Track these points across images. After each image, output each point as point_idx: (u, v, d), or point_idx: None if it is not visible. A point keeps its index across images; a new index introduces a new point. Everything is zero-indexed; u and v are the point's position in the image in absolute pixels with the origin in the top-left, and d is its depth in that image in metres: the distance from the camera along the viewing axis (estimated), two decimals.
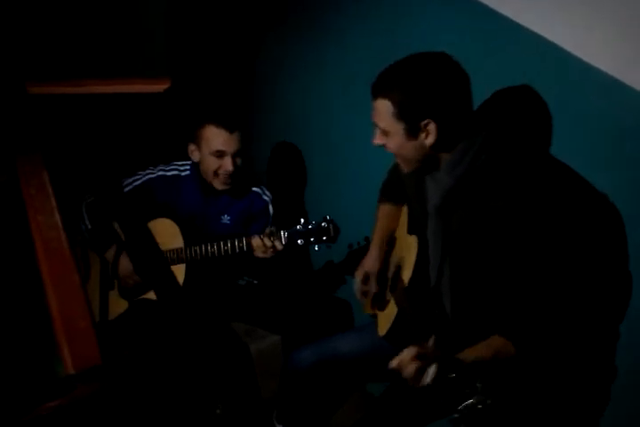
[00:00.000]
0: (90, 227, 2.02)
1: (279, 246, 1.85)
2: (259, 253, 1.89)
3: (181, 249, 1.98)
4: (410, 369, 1.11)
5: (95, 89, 3.30)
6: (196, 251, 1.96)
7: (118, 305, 2.04)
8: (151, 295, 2.02)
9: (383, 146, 1.34)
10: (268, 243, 1.85)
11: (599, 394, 1.41)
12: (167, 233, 2.02)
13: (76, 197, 2.09)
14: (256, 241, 1.87)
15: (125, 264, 1.97)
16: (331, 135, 2.31)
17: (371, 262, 1.67)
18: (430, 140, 1.27)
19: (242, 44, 2.95)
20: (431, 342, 1.15)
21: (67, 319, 1.20)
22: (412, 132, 1.27)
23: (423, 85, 1.24)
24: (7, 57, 2.49)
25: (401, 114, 1.26)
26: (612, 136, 1.32)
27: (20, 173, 1.63)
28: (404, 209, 1.67)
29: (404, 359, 1.14)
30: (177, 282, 2.00)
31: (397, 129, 1.28)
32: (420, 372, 1.09)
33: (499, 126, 1.36)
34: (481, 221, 1.27)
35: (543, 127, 1.43)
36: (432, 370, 1.05)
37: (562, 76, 1.40)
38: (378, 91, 1.28)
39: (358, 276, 1.68)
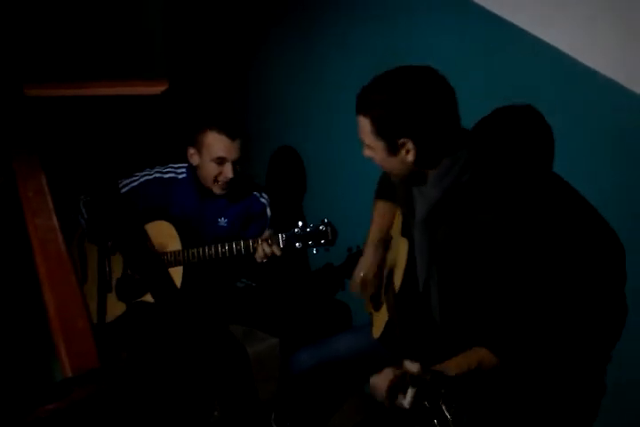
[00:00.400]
0: (87, 221, 2.02)
1: (277, 252, 1.85)
2: (257, 258, 1.89)
3: (179, 251, 1.98)
4: (381, 393, 1.09)
5: (92, 91, 3.30)
6: (193, 253, 1.95)
7: (116, 307, 2.04)
8: (148, 298, 2.02)
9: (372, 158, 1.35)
10: (267, 248, 1.85)
11: (585, 409, 1.41)
12: (165, 235, 2.01)
13: (73, 199, 2.09)
14: (254, 246, 1.87)
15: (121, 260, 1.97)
16: (329, 138, 2.32)
17: (368, 261, 1.66)
18: (410, 157, 1.28)
19: (241, 46, 2.95)
20: (413, 366, 1.09)
21: (64, 320, 1.20)
22: (392, 149, 1.28)
23: (400, 104, 1.23)
24: (4, 59, 2.48)
25: (379, 132, 1.27)
26: (611, 137, 1.32)
27: (18, 176, 1.63)
28: (399, 210, 1.67)
29: (379, 383, 1.12)
30: (174, 284, 2.00)
31: (378, 145, 1.29)
32: (395, 395, 1.06)
33: (485, 140, 1.36)
34: (466, 234, 1.26)
35: (536, 140, 1.43)
36: (409, 394, 1.02)
37: (559, 78, 1.40)
38: (358, 108, 1.29)
39: (356, 274, 1.67)
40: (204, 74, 3.40)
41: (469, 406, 1.08)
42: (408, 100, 1.23)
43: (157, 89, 3.51)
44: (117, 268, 2.07)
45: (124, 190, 2.06)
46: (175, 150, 2.14)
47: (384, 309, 1.58)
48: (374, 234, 1.70)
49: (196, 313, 2.05)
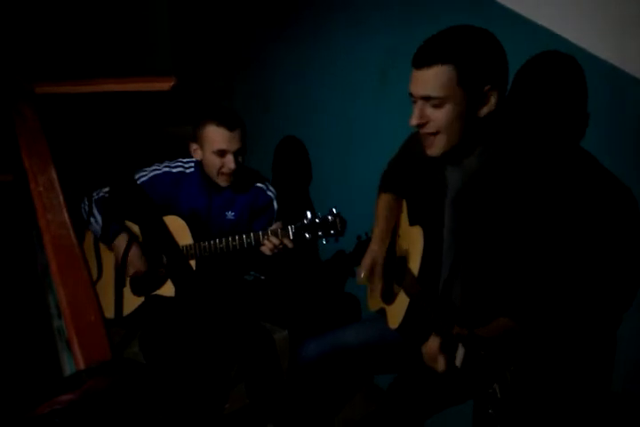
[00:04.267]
0: (101, 222, 2.03)
1: (289, 244, 1.86)
2: (266, 251, 1.89)
3: (190, 245, 2.00)
4: (440, 362, 1.10)
5: (101, 87, 3.32)
6: (205, 247, 1.97)
7: (131, 302, 2.06)
8: (162, 291, 2.04)
9: (420, 126, 1.27)
10: (276, 241, 1.86)
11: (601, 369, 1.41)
12: (176, 230, 2.03)
13: (84, 194, 2.11)
14: (264, 238, 1.88)
15: (135, 252, 1.98)
16: (335, 128, 2.32)
17: (374, 254, 1.66)
18: (488, 108, 1.24)
19: (247, 40, 2.95)
20: (461, 330, 1.13)
21: (76, 314, 1.21)
22: (473, 99, 1.22)
23: (486, 51, 1.21)
24: (12, 57, 2.50)
25: (464, 79, 1.20)
26: (620, 129, 1.31)
27: (28, 171, 1.65)
28: (404, 201, 1.66)
29: (431, 348, 1.13)
30: (198, 277, 2.02)
31: (457, 97, 1.22)
32: (450, 359, 1.08)
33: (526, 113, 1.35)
34: (504, 204, 1.25)
35: (571, 118, 1.42)
36: (460, 352, 1.05)
37: (567, 67, 1.39)
38: (435, 57, 1.21)
39: (362, 268, 1.67)
40: (210, 69, 3.41)
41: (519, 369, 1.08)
42: (492, 47, 1.22)
43: (166, 85, 3.54)
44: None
45: None
46: (182, 145, 2.15)
47: (400, 297, 1.58)
48: (380, 226, 1.69)
49: (220, 303, 2.06)
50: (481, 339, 1.06)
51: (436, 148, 1.30)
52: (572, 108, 1.41)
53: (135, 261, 1.98)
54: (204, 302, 2.07)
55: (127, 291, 2.07)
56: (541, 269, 1.24)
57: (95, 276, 2.11)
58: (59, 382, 1.05)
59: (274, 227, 1.91)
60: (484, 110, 1.25)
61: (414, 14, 1.84)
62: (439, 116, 1.25)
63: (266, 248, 1.89)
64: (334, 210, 1.86)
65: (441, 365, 1.12)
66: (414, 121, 1.27)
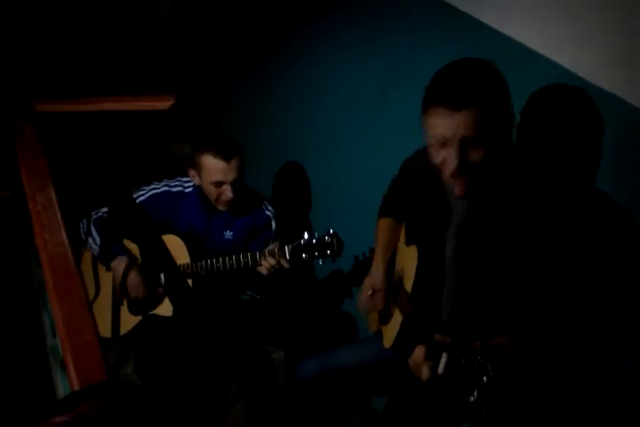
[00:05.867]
0: (99, 242, 2.03)
1: (285, 264, 1.86)
2: (263, 271, 1.89)
3: (188, 264, 2.00)
4: (425, 371, 1.11)
5: (100, 106, 3.35)
6: (202, 266, 1.97)
7: (128, 321, 2.06)
8: (159, 311, 2.03)
9: (460, 168, 1.22)
10: (272, 261, 1.86)
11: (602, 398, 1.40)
12: (174, 249, 2.03)
13: (82, 213, 2.11)
14: (262, 259, 1.88)
15: (134, 276, 1.98)
16: (333, 147, 2.33)
17: (376, 279, 1.66)
18: (503, 144, 1.24)
19: (245, 61, 2.98)
20: (443, 337, 1.13)
21: (72, 333, 1.21)
22: (497, 135, 1.22)
23: (503, 88, 1.22)
24: (13, 75, 2.52)
25: (491, 118, 1.19)
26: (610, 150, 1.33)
27: (27, 190, 1.65)
28: (403, 224, 1.68)
29: (415, 359, 1.13)
30: (196, 295, 2.01)
31: (489, 135, 1.20)
32: (434, 366, 1.08)
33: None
34: (509, 233, 1.26)
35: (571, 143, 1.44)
36: (443, 360, 1.05)
37: (558, 91, 1.42)
38: (467, 101, 1.18)
39: (364, 293, 1.68)
40: (209, 89, 3.44)
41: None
42: (504, 83, 1.22)
43: (164, 104, 3.57)
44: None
45: None
46: (180, 164, 2.16)
47: (395, 316, 1.59)
48: (381, 250, 1.69)
49: (217, 323, 2.06)
50: (463, 347, 1.06)
51: (469, 187, 1.26)
52: (580, 143, 1.42)
53: (134, 287, 1.97)
54: (202, 321, 2.06)
55: (124, 310, 2.06)
56: (545, 296, 1.24)
57: (93, 294, 2.10)
58: (53, 403, 1.04)
59: (271, 247, 1.91)
60: (502, 145, 1.24)
61: (413, 34, 1.87)
62: (480, 157, 1.21)
63: (262, 268, 1.89)
64: (331, 230, 1.87)
65: (425, 373, 1.12)
66: (454, 164, 1.21)
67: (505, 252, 1.29)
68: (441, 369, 1.06)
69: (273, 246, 1.90)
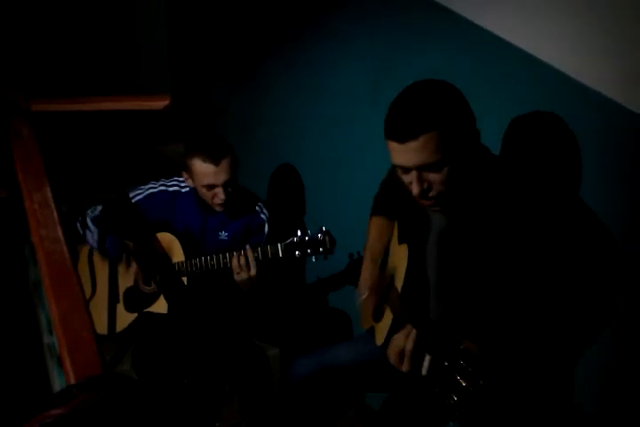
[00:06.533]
0: (97, 237, 2.05)
1: (253, 271, 1.89)
2: (235, 276, 1.91)
3: (182, 262, 2.01)
4: (404, 361, 1.13)
5: (96, 106, 3.36)
6: (196, 264, 1.99)
7: (124, 318, 2.08)
8: (155, 308, 2.05)
9: (424, 193, 1.27)
10: (243, 261, 1.88)
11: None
12: (169, 247, 2.05)
13: (78, 211, 2.13)
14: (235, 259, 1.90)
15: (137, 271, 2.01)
16: (328, 148, 2.35)
17: (366, 276, 1.68)
18: (469, 160, 1.27)
19: (240, 62, 3.00)
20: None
21: (68, 330, 1.22)
22: (459, 154, 1.25)
23: (460, 108, 1.24)
24: (9, 75, 2.53)
25: (450, 139, 1.22)
26: (604, 153, 1.35)
27: (23, 188, 1.67)
28: (396, 222, 1.70)
29: (395, 348, 1.15)
30: (190, 292, 2.03)
31: (449, 157, 1.23)
32: (413, 360, 1.11)
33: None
34: (486, 242, 1.29)
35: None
36: (426, 362, 1.08)
37: (553, 94, 1.44)
38: (419, 129, 1.21)
39: (359, 291, 1.70)
40: (204, 89, 3.45)
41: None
42: (462, 102, 1.25)
43: (160, 104, 3.58)
44: (125, 280, 2.10)
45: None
46: (175, 164, 2.18)
47: (386, 314, 1.60)
48: (371, 248, 1.72)
49: (212, 318, 2.08)
50: (446, 349, 1.09)
51: (436, 206, 1.32)
52: (561, 157, 1.44)
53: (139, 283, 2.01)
54: (197, 318, 2.08)
55: (120, 307, 2.08)
56: (519, 300, 1.28)
57: (89, 293, 2.12)
58: (49, 396, 1.05)
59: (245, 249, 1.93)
60: (468, 162, 1.27)
61: (403, 37, 1.89)
62: (440, 179, 1.25)
63: (234, 271, 1.91)
64: (324, 228, 1.89)
65: (404, 364, 1.15)
66: (417, 190, 1.25)
67: (483, 260, 1.31)
68: (424, 371, 1.08)
69: (247, 249, 1.92)
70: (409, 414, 1.57)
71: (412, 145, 1.21)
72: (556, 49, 1.41)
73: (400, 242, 1.61)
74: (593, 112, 1.35)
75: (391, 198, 1.66)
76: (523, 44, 1.48)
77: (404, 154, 1.24)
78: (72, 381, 1.19)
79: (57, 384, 1.66)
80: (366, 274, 1.69)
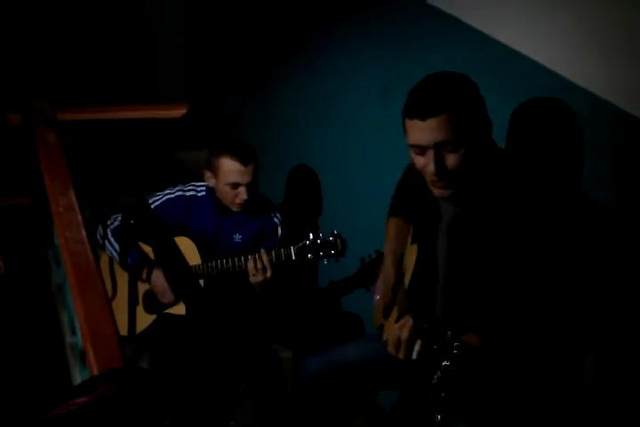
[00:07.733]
0: (118, 249, 2.11)
1: (268, 273, 1.93)
2: (250, 278, 1.96)
3: (199, 265, 2.07)
4: (401, 351, 1.18)
5: (118, 115, 3.45)
6: (212, 267, 2.04)
7: (143, 320, 2.13)
8: (174, 310, 2.10)
9: (440, 172, 1.31)
10: (259, 264, 1.93)
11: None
12: (186, 250, 2.11)
13: (99, 218, 2.19)
14: (250, 262, 1.95)
15: (158, 281, 2.06)
16: (339, 153, 2.40)
17: (387, 277, 1.70)
18: (483, 149, 1.33)
19: (257, 68, 3.07)
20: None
21: (92, 325, 1.29)
22: (475, 140, 1.31)
23: (477, 96, 1.32)
24: (35, 84, 2.63)
25: (467, 123, 1.28)
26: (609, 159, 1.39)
27: (50, 193, 1.74)
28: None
29: (393, 337, 1.20)
30: (208, 295, 2.09)
31: (467, 139, 1.29)
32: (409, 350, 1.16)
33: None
34: (494, 234, 1.33)
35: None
36: (417, 346, 1.13)
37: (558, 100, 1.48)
38: (441, 107, 1.27)
39: (377, 292, 1.73)
40: (221, 97, 3.52)
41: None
42: (478, 93, 1.32)
43: (178, 112, 3.67)
44: (144, 282, 2.16)
45: None
46: (193, 171, 2.23)
47: (394, 311, 1.64)
48: (390, 248, 1.73)
49: (228, 320, 2.12)
50: (438, 335, 1.14)
51: (448, 190, 1.35)
52: (567, 150, 1.48)
53: (164, 292, 2.05)
54: (214, 320, 2.13)
55: (140, 309, 2.14)
56: (527, 293, 1.31)
57: (110, 294, 2.17)
58: (74, 387, 1.11)
59: (256, 255, 1.97)
60: (480, 148, 1.33)
61: (412, 45, 1.95)
62: (458, 160, 1.30)
63: (249, 273, 1.96)
64: (335, 231, 1.93)
65: (399, 352, 1.20)
66: (432, 168, 1.29)
67: (491, 251, 1.35)
68: (415, 355, 1.13)
69: (262, 253, 1.97)
70: (418, 415, 1.60)
71: (433, 122, 1.27)
72: (560, 55, 1.46)
73: (412, 242, 1.66)
74: (593, 112, 1.39)
75: (407, 198, 1.70)
76: (527, 50, 1.53)
77: (424, 132, 1.28)
78: (95, 371, 1.24)
79: (79, 382, 1.72)
80: (387, 274, 1.70)
